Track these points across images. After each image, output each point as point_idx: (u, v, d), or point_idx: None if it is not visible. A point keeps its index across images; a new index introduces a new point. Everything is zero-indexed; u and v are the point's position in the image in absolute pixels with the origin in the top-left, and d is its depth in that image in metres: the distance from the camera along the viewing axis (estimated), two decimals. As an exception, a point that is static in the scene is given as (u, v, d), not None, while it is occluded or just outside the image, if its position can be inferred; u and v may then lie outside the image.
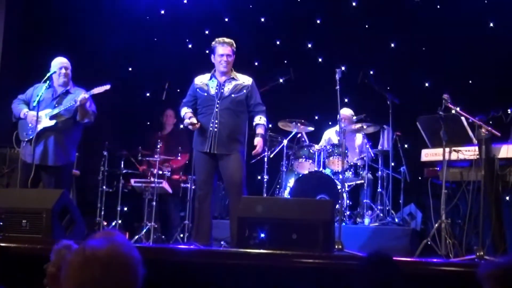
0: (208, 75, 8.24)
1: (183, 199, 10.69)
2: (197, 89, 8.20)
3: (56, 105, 8.40)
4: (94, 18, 12.30)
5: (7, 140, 10.20)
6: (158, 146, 10.26)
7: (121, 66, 13.12)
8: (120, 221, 10.46)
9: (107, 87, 8.39)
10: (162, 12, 13.21)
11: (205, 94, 8.12)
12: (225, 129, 7.92)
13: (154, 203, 10.04)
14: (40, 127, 8.25)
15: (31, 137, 8.16)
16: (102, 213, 10.46)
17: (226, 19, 13.12)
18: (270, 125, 11.18)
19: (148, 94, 13.00)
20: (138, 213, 10.92)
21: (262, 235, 6.48)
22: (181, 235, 10.15)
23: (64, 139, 8.37)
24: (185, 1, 13.25)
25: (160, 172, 10.39)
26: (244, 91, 8.12)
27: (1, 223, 6.89)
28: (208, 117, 8.00)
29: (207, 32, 12.91)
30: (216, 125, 7.91)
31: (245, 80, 8.24)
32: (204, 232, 7.91)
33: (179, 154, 10.77)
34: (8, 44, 11.18)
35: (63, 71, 8.57)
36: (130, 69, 13.28)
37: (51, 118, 8.33)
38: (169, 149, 10.71)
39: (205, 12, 12.96)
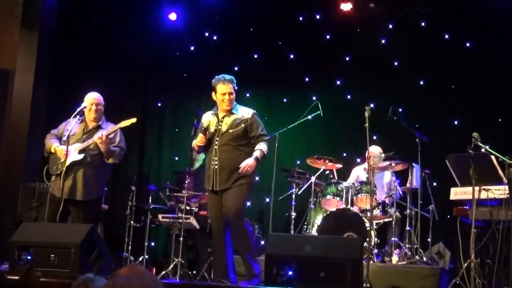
0: (210, 113, 8.18)
1: (210, 235, 10.66)
2: (202, 127, 8.13)
3: (86, 140, 8.43)
4: (123, 54, 12.41)
5: (36, 174, 10.30)
6: (186, 182, 10.27)
7: (151, 101, 13.21)
8: (147, 256, 10.47)
9: (133, 120, 8.38)
10: (192, 48, 13.31)
11: (207, 132, 8.03)
12: (224, 165, 7.80)
13: (181, 238, 10.02)
14: (69, 161, 8.28)
15: (62, 170, 8.18)
16: (130, 248, 10.47)
17: (255, 56, 13.18)
18: (298, 162, 11.20)
19: (176, 130, 13.03)
20: (165, 248, 10.92)
21: (290, 272, 6.45)
22: (208, 271, 10.12)
23: (93, 174, 8.38)
24: (215, 38, 13.35)
25: (188, 208, 10.38)
26: (243, 125, 7.91)
27: (30, 257, 6.91)
28: (210, 155, 7.95)
29: (236, 68, 12.97)
30: (216, 162, 7.83)
31: (244, 113, 8.05)
32: (221, 269, 7.80)
33: (207, 190, 10.77)
34: (39, 81, 11.29)
35: (94, 107, 8.60)
36: (159, 104, 13.36)
37: (80, 152, 8.36)
38: (197, 185, 10.72)
39: (235, 49, 13.06)
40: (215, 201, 7.91)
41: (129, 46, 12.49)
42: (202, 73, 13.01)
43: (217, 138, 7.89)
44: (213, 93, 8.05)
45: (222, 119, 7.98)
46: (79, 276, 4.41)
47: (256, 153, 7.83)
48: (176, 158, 13.02)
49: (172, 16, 13.00)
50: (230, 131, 7.89)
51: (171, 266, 9.89)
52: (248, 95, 13.03)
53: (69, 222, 8.39)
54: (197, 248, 11.01)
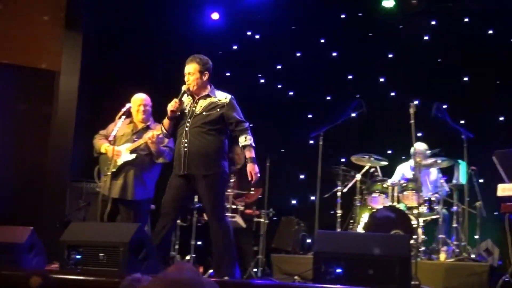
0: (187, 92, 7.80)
1: (256, 234, 10.68)
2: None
3: (136, 140, 8.49)
4: (165, 54, 12.47)
5: (83, 174, 10.40)
6: (232, 181, 10.29)
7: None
8: (194, 255, 10.49)
9: None
10: (235, 47, 13.34)
11: (180, 112, 7.69)
12: (194, 148, 7.43)
13: (227, 237, 10.03)
14: (120, 161, 8.36)
15: (112, 170, 8.25)
16: (176, 247, 10.51)
17: (298, 54, 13.19)
18: (343, 160, 11.17)
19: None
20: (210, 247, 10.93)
21: (338, 270, 6.44)
22: (255, 270, 10.13)
23: (143, 174, 8.44)
24: (257, 37, 13.37)
25: (234, 207, 10.40)
26: (218, 109, 7.55)
27: (79, 257, 6.97)
28: (180, 137, 7.58)
29: (279, 67, 13.00)
30: (185, 145, 7.46)
31: (221, 98, 7.67)
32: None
33: (253, 189, 10.77)
34: (83, 82, 11.41)
35: (142, 108, 8.66)
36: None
37: (132, 152, 8.43)
38: (242, 184, 10.72)
39: (277, 47, 13.07)
40: (177, 185, 7.58)
41: (172, 46, 12.55)
42: (245, 72, 13.08)
43: (189, 120, 7.55)
44: None
45: (197, 101, 7.67)
46: (127, 277, 4.47)
47: (249, 153, 7.52)
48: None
49: (215, 16, 13.06)
50: (204, 113, 7.54)
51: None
52: (291, 93, 13.06)
53: (117, 222, 8.46)
54: (243, 246, 11.03)
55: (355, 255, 6.52)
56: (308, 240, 10.84)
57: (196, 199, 10.67)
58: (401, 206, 9.84)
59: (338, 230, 9.87)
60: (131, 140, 8.53)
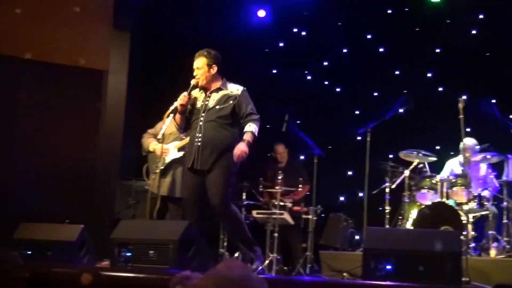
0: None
1: (304, 230, 10.68)
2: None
3: (184, 137, 8.55)
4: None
5: (132, 173, 10.48)
6: (279, 178, 10.30)
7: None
8: (243, 252, 10.53)
9: None
10: (281, 44, 13.35)
11: (192, 107, 7.69)
12: (208, 143, 7.42)
13: (275, 234, 10.05)
14: (168, 159, 8.42)
15: (161, 168, 8.31)
16: (225, 244, 10.55)
17: (345, 50, 13.16)
18: (391, 156, 11.10)
19: (268, 126, 13.09)
20: (260, 244, 10.94)
21: (388, 267, 6.41)
22: (303, 267, 10.13)
23: (191, 172, 8.51)
24: (304, 33, 13.36)
25: (282, 204, 10.40)
26: (231, 102, 7.54)
27: (130, 254, 7.02)
28: (194, 131, 7.57)
29: (326, 63, 12.96)
30: (199, 139, 7.45)
31: (233, 90, 7.66)
32: None
33: (300, 186, 10.78)
34: (132, 81, 11.48)
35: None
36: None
37: (179, 150, 8.49)
38: (289, 181, 10.72)
39: (324, 44, 13.05)
40: (194, 182, 7.55)
41: (219, 44, 12.54)
42: (292, 69, 13.07)
43: (203, 114, 7.54)
44: None
45: (209, 95, 7.65)
46: (176, 274, 4.49)
47: (247, 136, 7.41)
48: (269, 154, 13.09)
49: (261, 13, 13.08)
50: (218, 107, 7.55)
51: (267, 262, 9.92)
52: (338, 90, 13.03)
53: (166, 219, 8.53)
54: (291, 244, 11.05)
55: (405, 252, 6.48)
56: (357, 237, 10.81)
57: (244, 197, 10.70)
58: (451, 202, 9.75)
59: (387, 226, 9.82)
60: (179, 138, 8.60)
